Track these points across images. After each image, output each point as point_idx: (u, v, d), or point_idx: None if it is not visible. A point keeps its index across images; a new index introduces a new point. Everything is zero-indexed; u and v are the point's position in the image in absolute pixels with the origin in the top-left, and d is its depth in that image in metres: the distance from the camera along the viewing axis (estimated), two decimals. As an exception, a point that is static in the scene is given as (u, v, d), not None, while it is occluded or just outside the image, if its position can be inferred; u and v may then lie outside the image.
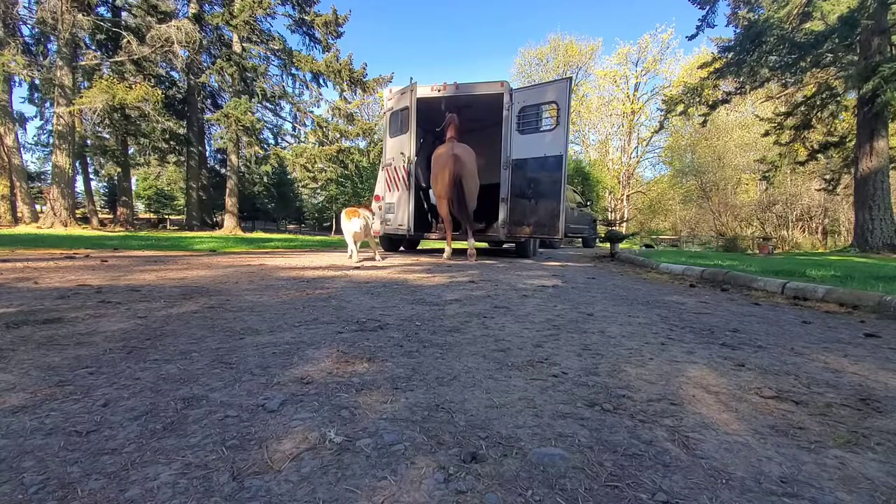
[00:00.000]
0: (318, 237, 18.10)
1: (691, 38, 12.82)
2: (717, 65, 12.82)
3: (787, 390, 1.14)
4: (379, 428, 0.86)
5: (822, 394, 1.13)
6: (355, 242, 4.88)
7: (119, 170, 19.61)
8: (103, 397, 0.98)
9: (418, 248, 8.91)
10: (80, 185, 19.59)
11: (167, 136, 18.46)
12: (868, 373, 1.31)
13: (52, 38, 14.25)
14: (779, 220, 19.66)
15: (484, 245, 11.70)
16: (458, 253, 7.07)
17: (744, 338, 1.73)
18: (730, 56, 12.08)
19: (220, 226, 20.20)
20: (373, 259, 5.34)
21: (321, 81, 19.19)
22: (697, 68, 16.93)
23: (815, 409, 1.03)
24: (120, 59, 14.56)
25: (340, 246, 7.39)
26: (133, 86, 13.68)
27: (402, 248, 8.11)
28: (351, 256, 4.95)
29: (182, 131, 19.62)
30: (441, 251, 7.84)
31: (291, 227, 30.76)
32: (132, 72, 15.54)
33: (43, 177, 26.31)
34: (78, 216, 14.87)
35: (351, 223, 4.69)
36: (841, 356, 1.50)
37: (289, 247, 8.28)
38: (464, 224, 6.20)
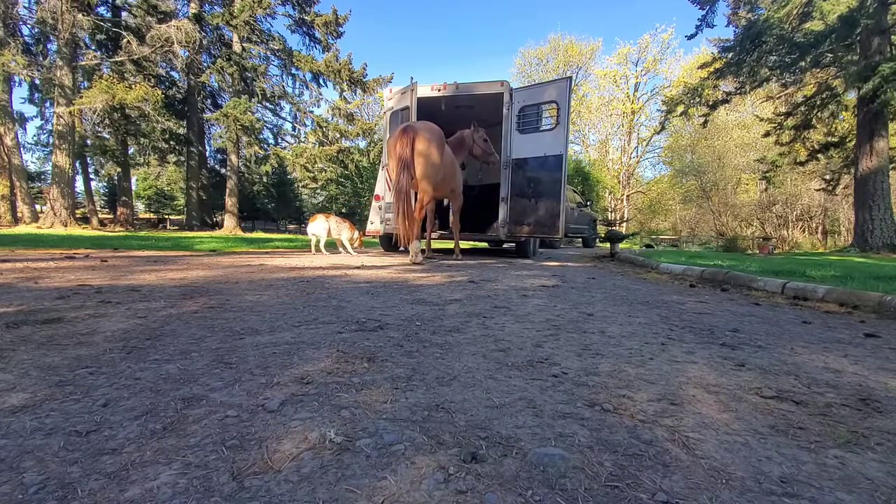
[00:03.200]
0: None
1: (691, 37, 12.82)
2: (717, 65, 12.82)
3: (787, 390, 1.14)
4: (379, 428, 0.86)
5: (822, 394, 1.13)
6: (317, 240, 6.23)
7: (119, 170, 19.61)
8: (103, 397, 0.98)
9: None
10: (80, 185, 19.61)
11: (167, 136, 18.45)
12: (868, 373, 1.31)
13: (52, 38, 14.24)
14: (779, 220, 19.65)
15: (481, 245, 11.70)
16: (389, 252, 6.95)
17: (744, 338, 1.73)
18: (730, 56, 12.08)
19: (220, 226, 20.19)
20: (373, 259, 5.48)
21: (321, 81, 19.18)
22: (697, 68, 16.93)
23: (815, 409, 1.03)
24: (120, 59, 14.56)
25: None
26: (133, 86, 13.66)
27: (402, 248, 8.11)
28: (315, 251, 6.32)
29: (182, 131, 19.61)
30: (445, 251, 7.84)
31: (291, 227, 30.76)
32: (132, 72, 15.53)
33: (43, 177, 26.34)
34: (78, 216, 14.87)
35: (313, 225, 6.11)
36: (841, 356, 1.50)
37: (289, 247, 8.29)
38: (399, 222, 4.74)
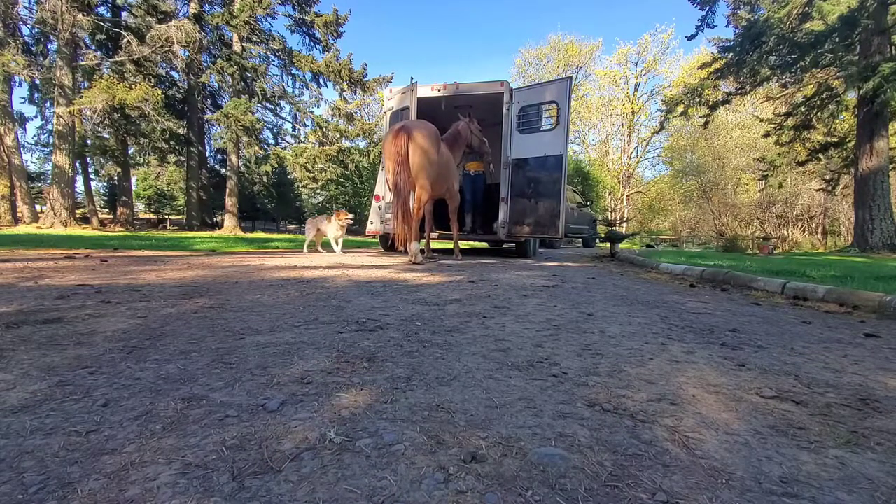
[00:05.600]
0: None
1: (691, 38, 12.83)
2: (717, 65, 12.82)
3: (787, 390, 1.14)
4: (379, 428, 0.86)
5: (822, 394, 1.13)
6: (309, 241, 6.76)
7: (119, 170, 19.59)
8: (103, 397, 0.98)
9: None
10: (80, 185, 19.57)
11: (167, 136, 18.43)
12: (868, 373, 1.31)
13: (52, 38, 14.23)
14: (779, 220, 19.63)
15: (481, 245, 11.69)
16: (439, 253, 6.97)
17: (744, 338, 1.73)
18: (730, 56, 12.09)
19: (220, 226, 20.18)
20: (373, 259, 5.52)
21: (321, 81, 19.18)
22: (697, 68, 16.92)
23: (815, 409, 1.03)
24: (120, 59, 14.55)
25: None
26: (133, 86, 13.65)
27: (401, 248, 8.11)
28: (308, 251, 6.73)
29: (182, 131, 19.59)
30: (445, 251, 7.84)
31: (291, 227, 30.75)
32: (132, 72, 15.51)
33: (43, 177, 26.31)
34: (78, 216, 14.86)
35: (308, 225, 6.68)
36: (841, 356, 1.49)
37: (289, 247, 8.28)
38: (397, 223, 4.76)
